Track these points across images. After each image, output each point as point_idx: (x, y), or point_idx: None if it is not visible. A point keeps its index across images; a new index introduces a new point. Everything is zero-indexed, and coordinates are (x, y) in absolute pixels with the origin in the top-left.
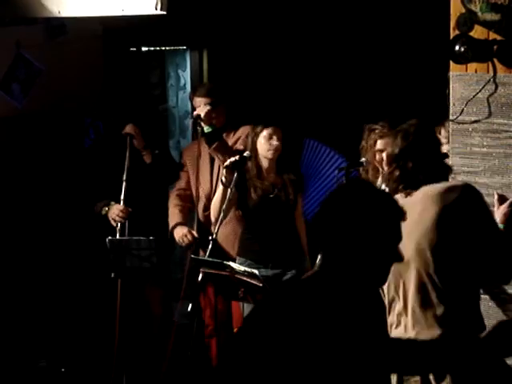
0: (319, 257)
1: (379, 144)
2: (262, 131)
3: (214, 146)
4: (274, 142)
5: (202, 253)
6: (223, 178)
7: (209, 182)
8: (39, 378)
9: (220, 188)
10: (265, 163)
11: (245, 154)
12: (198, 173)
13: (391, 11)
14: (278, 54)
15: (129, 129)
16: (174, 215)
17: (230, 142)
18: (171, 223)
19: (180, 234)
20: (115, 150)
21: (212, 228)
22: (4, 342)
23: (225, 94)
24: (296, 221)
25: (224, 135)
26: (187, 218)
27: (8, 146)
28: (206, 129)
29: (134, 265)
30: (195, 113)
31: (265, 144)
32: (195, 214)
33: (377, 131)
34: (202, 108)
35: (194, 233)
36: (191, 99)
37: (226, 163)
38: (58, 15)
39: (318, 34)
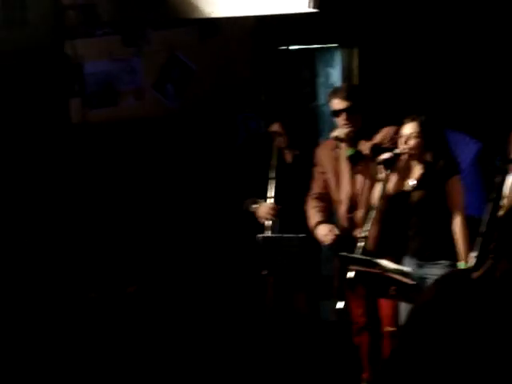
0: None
1: None
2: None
3: (357, 169)
4: (404, 139)
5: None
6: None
7: (349, 184)
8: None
9: (378, 185)
10: (408, 161)
11: (397, 151)
12: (338, 175)
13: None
14: (429, 53)
15: (274, 127)
16: (313, 216)
17: (369, 145)
18: (312, 223)
19: (323, 232)
20: (264, 148)
21: (357, 229)
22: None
23: (364, 97)
24: (452, 212)
25: (362, 143)
26: (327, 217)
27: (162, 145)
28: (348, 152)
29: (286, 262)
30: (334, 134)
31: (400, 141)
32: (335, 217)
33: None
34: (340, 130)
35: (336, 230)
36: (329, 100)
37: (378, 160)
38: (211, 16)
39: (469, 32)
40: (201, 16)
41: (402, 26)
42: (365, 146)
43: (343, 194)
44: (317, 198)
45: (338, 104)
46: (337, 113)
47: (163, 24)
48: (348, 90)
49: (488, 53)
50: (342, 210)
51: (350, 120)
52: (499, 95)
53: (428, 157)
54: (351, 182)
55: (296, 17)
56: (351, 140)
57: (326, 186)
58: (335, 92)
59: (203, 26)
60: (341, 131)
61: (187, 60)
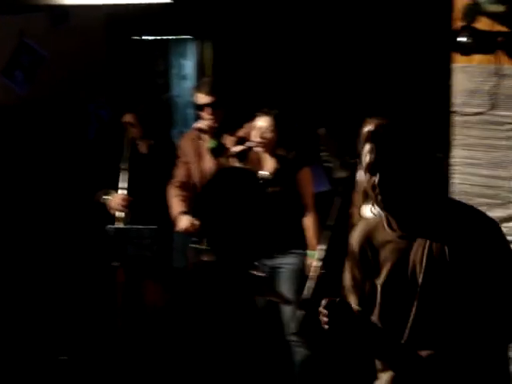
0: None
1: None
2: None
3: (220, 161)
4: (258, 133)
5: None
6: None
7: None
8: (39, 367)
9: None
10: (260, 153)
11: (249, 144)
12: (201, 166)
13: (395, 2)
14: (282, 45)
15: (127, 118)
16: (175, 205)
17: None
18: (174, 212)
19: (185, 224)
20: (117, 139)
21: None
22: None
23: (228, 90)
24: (304, 205)
25: (225, 136)
26: (190, 207)
27: (11, 133)
28: (211, 144)
29: (135, 253)
30: (196, 125)
31: (253, 134)
32: None
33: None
34: (203, 122)
35: (197, 223)
36: (193, 94)
37: (231, 152)
38: (62, 2)
39: (323, 26)
40: (51, 2)
41: (256, 19)
42: (229, 140)
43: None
44: (179, 187)
45: (202, 98)
46: (201, 107)
47: (12, 9)
48: (212, 85)
49: (339, 46)
50: None
51: (215, 114)
52: (350, 90)
53: (281, 151)
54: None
55: (151, 7)
56: (214, 132)
57: (189, 174)
58: (200, 86)
59: (54, 13)
60: (203, 123)
61: (37, 47)
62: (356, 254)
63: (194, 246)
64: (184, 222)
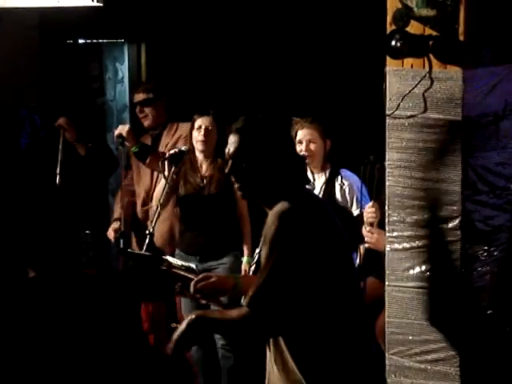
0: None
1: (299, 135)
2: (194, 122)
3: (147, 162)
4: (201, 132)
5: (137, 248)
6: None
7: (149, 177)
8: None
9: (161, 181)
10: (198, 155)
11: (183, 148)
12: (138, 168)
13: (329, 6)
14: (216, 48)
15: (61, 121)
16: (115, 210)
17: (172, 140)
18: (112, 218)
19: (111, 230)
20: (52, 143)
21: (149, 223)
22: None
23: (166, 89)
24: (238, 212)
25: (165, 132)
26: (127, 213)
27: None
28: (133, 148)
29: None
30: (117, 132)
31: (194, 135)
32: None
33: (299, 122)
34: (123, 127)
35: (117, 227)
36: (133, 95)
37: (165, 156)
38: None
39: (258, 27)
40: None
41: (189, 21)
42: (171, 139)
43: (141, 187)
44: (124, 191)
45: (137, 97)
46: (135, 105)
47: None
48: (148, 84)
49: (275, 47)
50: (139, 203)
51: (148, 111)
52: (284, 90)
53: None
54: (151, 175)
55: (85, 10)
56: (134, 136)
57: (133, 178)
58: (138, 85)
59: None
60: (122, 128)
61: None
62: None
63: (129, 251)
64: (110, 229)
